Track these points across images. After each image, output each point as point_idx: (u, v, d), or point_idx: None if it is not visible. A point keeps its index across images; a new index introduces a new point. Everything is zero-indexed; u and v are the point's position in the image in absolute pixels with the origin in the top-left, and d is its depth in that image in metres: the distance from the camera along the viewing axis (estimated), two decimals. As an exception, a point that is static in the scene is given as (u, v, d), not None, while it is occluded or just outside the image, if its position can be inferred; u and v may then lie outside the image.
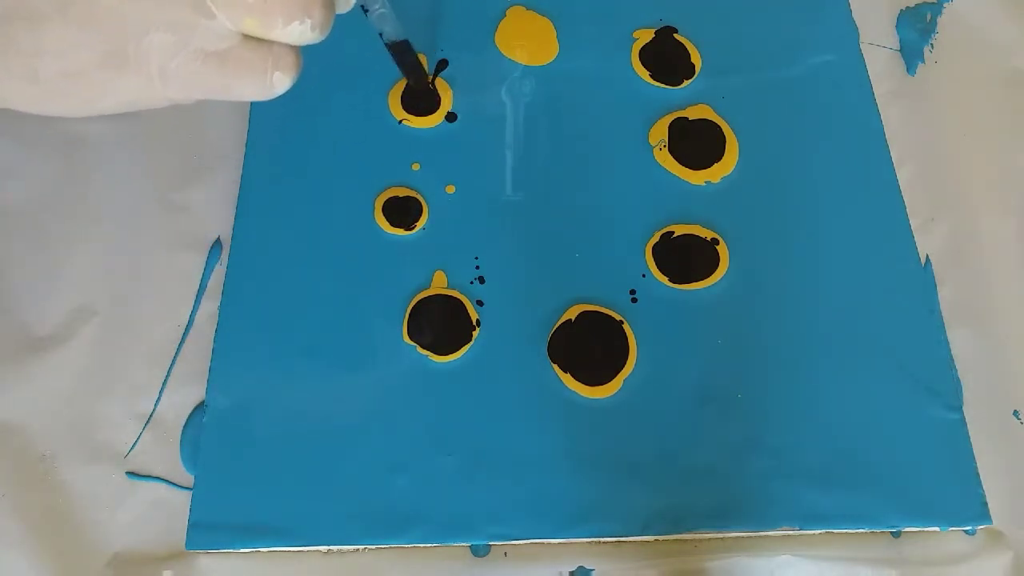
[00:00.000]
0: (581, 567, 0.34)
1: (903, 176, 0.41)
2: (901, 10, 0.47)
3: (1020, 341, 0.38)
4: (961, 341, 0.38)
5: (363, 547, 0.34)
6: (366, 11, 0.34)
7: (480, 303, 0.38)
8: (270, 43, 0.25)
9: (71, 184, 0.41)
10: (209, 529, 0.34)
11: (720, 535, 0.34)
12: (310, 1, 0.25)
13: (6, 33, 0.23)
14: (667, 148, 0.41)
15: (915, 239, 0.40)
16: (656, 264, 0.39)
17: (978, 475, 0.35)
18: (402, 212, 0.40)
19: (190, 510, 0.34)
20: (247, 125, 0.42)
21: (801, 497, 0.34)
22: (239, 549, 0.34)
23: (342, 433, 0.35)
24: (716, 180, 0.41)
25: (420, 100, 0.42)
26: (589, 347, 0.37)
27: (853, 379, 0.36)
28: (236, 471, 0.34)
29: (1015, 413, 0.37)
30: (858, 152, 0.42)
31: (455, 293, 0.38)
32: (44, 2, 0.23)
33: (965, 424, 0.36)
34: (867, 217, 0.40)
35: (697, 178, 0.41)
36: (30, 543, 0.33)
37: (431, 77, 0.42)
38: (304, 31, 0.25)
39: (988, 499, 0.34)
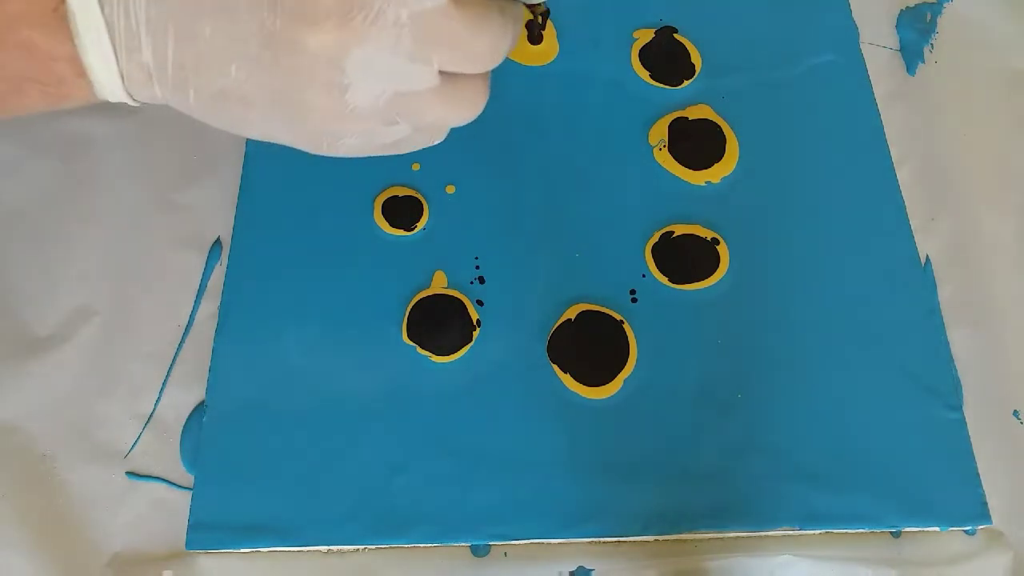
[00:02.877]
0: (581, 567, 0.34)
1: (903, 176, 0.41)
2: (901, 10, 0.47)
3: (1020, 341, 0.38)
4: (961, 341, 0.38)
5: (363, 547, 0.34)
6: None
7: (480, 303, 0.38)
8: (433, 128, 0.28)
9: (71, 184, 0.41)
10: (209, 529, 0.33)
11: (720, 535, 0.34)
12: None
13: (222, 107, 0.25)
14: (667, 148, 0.41)
15: (915, 239, 0.40)
16: (656, 264, 0.39)
17: (978, 475, 0.35)
18: (402, 212, 0.40)
19: (190, 510, 0.34)
20: (247, 125, 0.42)
21: (801, 497, 0.34)
22: (239, 549, 0.33)
23: (342, 433, 0.35)
24: (716, 180, 0.41)
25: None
26: (589, 347, 0.37)
27: (853, 379, 0.36)
28: (236, 471, 0.34)
29: (1015, 413, 0.37)
30: (858, 152, 0.42)
31: (455, 293, 0.38)
32: (257, 92, 0.24)
33: (965, 424, 0.36)
34: (867, 217, 0.40)
35: (697, 178, 0.41)
36: (30, 543, 0.33)
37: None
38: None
39: (988, 499, 0.34)
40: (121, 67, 0.24)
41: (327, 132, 0.26)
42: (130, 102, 0.26)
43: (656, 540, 0.34)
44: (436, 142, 0.29)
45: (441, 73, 0.25)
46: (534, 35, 0.42)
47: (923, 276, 0.39)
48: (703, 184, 0.41)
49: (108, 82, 0.25)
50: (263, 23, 0.23)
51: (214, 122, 0.26)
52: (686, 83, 0.43)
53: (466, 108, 0.27)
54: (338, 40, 0.23)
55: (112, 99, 0.26)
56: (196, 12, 0.23)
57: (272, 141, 0.27)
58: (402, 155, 0.40)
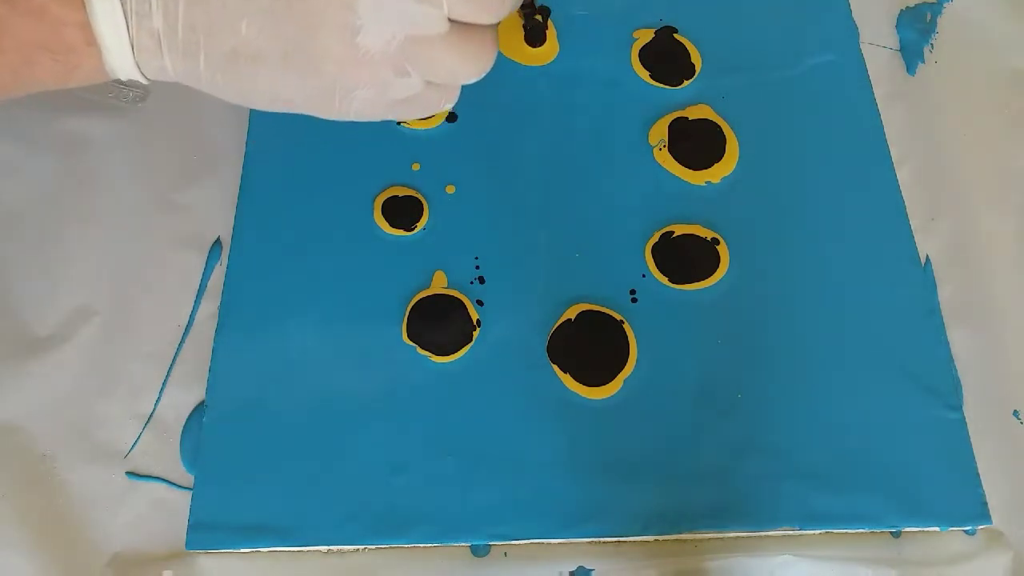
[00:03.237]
0: (581, 567, 0.34)
1: (903, 176, 0.41)
2: (901, 10, 0.47)
3: (1020, 341, 0.38)
4: (961, 341, 0.38)
5: (363, 547, 0.34)
6: None
7: (480, 303, 0.38)
8: (446, 86, 0.28)
9: (71, 184, 0.41)
10: (209, 529, 0.33)
11: (720, 535, 0.34)
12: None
13: (232, 69, 0.25)
14: (667, 148, 0.41)
15: (915, 239, 0.40)
16: (656, 264, 0.39)
17: (978, 475, 0.35)
18: (402, 212, 0.40)
19: (190, 510, 0.34)
20: (247, 125, 0.42)
21: (801, 497, 0.34)
22: (239, 549, 0.33)
23: (342, 433, 0.35)
24: (716, 180, 0.41)
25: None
26: (589, 347, 0.37)
27: (853, 379, 0.36)
28: (236, 471, 0.34)
29: (1015, 413, 0.37)
30: (858, 152, 0.42)
31: (455, 293, 0.38)
32: (270, 46, 0.25)
33: (965, 424, 0.36)
34: (867, 217, 0.40)
35: (697, 178, 0.41)
36: (30, 543, 0.33)
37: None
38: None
39: (988, 499, 0.34)
40: (132, 34, 0.24)
41: (340, 83, 0.26)
42: (139, 77, 0.26)
43: (656, 540, 0.34)
44: (447, 105, 0.29)
45: (451, 22, 0.25)
46: (535, 36, 0.42)
47: (923, 276, 0.39)
48: (703, 184, 0.41)
49: (118, 51, 0.25)
50: None
51: (224, 90, 0.26)
52: (686, 83, 0.43)
53: (474, 61, 0.27)
54: None
55: (122, 75, 0.26)
56: None
57: (282, 107, 0.27)
58: (402, 155, 0.41)
